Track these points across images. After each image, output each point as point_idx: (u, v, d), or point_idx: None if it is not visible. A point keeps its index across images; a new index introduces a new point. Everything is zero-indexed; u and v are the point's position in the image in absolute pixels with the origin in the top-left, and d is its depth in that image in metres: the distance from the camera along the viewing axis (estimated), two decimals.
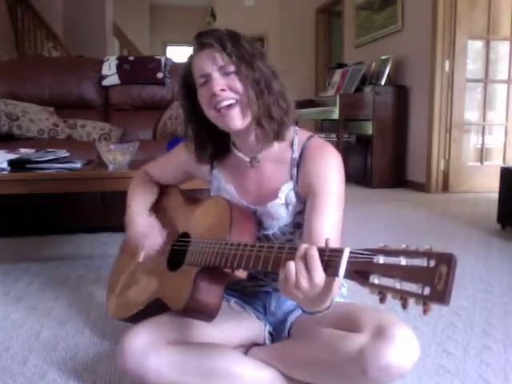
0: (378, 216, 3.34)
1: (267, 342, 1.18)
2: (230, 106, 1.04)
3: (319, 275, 0.76)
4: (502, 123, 4.50)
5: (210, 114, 1.07)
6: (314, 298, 0.79)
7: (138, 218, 1.28)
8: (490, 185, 4.02)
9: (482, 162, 4.51)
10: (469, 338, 1.46)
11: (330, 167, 1.07)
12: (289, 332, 1.15)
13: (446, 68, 4.23)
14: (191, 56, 1.10)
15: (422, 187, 4.41)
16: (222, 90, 1.03)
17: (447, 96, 4.26)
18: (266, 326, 1.19)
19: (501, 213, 2.82)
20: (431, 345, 1.41)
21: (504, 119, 4.49)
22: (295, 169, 1.10)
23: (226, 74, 1.04)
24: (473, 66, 4.44)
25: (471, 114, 4.49)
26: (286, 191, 1.10)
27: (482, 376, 1.24)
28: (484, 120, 4.50)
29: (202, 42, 1.05)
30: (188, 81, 1.11)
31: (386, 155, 4.64)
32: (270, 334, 1.19)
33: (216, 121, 1.08)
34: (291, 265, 0.78)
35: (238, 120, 1.05)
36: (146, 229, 1.24)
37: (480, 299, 1.77)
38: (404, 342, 0.89)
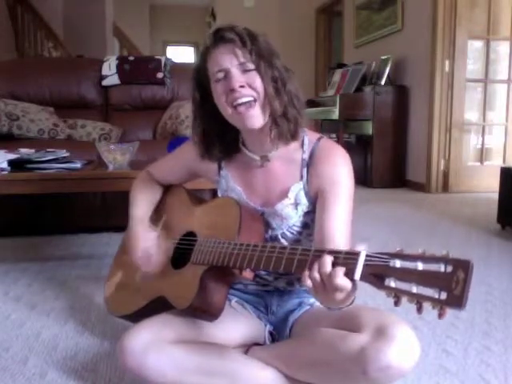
0: (378, 216, 3.33)
1: (267, 341, 1.18)
2: (248, 104, 1.03)
3: (348, 285, 0.79)
4: (502, 123, 4.50)
5: (227, 112, 1.05)
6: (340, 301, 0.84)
7: (140, 232, 1.24)
8: (489, 185, 4.01)
9: (482, 162, 4.51)
10: (469, 338, 1.46)
11: (340, 169, 1.08)
12: (290, 331, 1.15)
13: (446, 68, 4.23)
14: (207, 49, 1.07)
15: (421, 187, 4.41)
16: (241, 86, 1.02)
17: (447, 96, 4.26)
18: (266, 325, 1.19)
19: (501, 213, 2.82)
20: (431, 345, 1.41)
21: (504, 119, 4.48)
22: (305, 169, 1.10)
23: (245, 71, 1.03)
24: (473, 66, 4.44)
25: (471, 114, 4.49)
26: (296, 191, 1.10)
27: (482, 376, 1.24)
28: (484, 120, 4.50)
29: (223, 36, 1.04)
30: (200, 74, 1.10)
31: (386, 155, 4.64)
32: (271, 333, 1.19)
33: (233, 119, 1.07)
34: (320, 285, 0.80)
35: (256, 118, 1.04)
36: (149, 244, 1.21)
37: (480, 300, 1.77)
38: (405, 341, 0.89)
